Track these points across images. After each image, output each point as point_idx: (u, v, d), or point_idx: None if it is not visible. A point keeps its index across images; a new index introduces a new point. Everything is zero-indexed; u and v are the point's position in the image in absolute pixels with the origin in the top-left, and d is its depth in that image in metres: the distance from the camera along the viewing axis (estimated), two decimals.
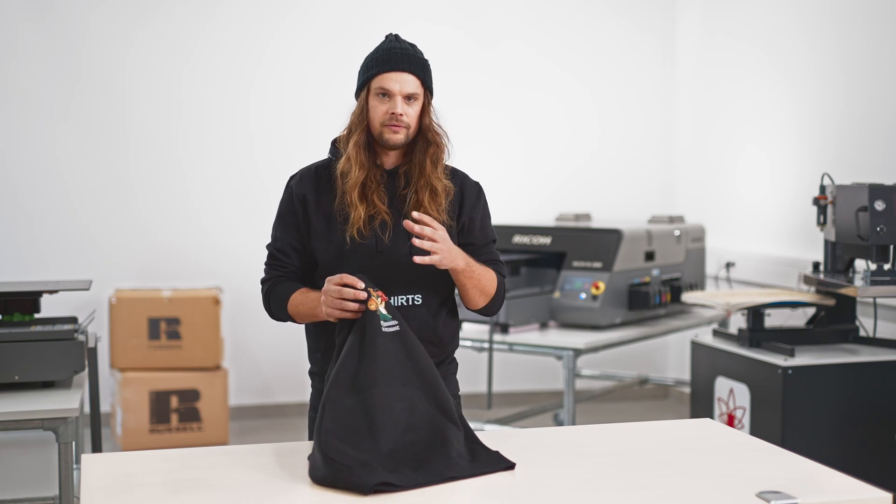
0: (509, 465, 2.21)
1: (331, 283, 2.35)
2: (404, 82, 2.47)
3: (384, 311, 2.32)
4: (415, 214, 2.37)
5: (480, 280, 2.50)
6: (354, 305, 2.31)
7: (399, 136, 2.48)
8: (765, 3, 5.71)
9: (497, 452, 2.25)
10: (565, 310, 4.59)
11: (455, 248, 2.42)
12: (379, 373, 2.25)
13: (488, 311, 2.60)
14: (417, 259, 2.34)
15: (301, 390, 6.02)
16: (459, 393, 2.64)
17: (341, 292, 2.31)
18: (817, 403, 3.81)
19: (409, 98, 2.48)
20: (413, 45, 2.55)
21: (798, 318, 4.62)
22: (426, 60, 2.54)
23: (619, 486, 2.09)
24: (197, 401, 5.55)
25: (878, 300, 4.31)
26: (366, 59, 2.53)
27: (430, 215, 2.47)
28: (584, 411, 6.09)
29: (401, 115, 2.46)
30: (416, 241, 2.34)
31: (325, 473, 2.09)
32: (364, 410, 2.20)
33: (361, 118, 2.50)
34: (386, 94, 2.47)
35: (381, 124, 2.47)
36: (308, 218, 2.53)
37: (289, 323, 2.65)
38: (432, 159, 2.51)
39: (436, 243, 2.35)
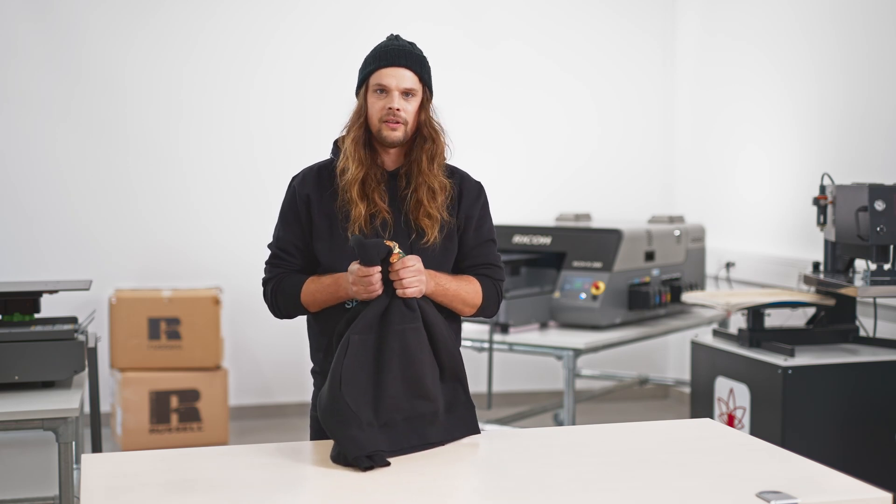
0: (476, 431, 2.43)
1: (356, 274, 2.36)
2: (401, 77, 2.48)
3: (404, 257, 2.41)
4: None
5: (458, 294, 2.53)
6: (377, 292, 2.35)
7: (397, 133, 2.48)
8: (765, 3, 5.71)
9: (473, 409, 2.44)
10: (565, 310, 4.59)
11: (423, 272, 2.43)
12: (395, 314, 2.34)
13: (483, 316, 2.66)
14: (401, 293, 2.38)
15: (301, 390, 6.02)
16: None
17: (369, 279, 2.34)
18: (817, 403, 3.81)
19: (406, 94, 2.49)
20: (412, 44, 2.56)
21: (798, 318, 4.61)
22: (424, 57, 2.55)
23: (619, 486, 2.09)
24: (197, 401, 5.55)
25: (878, 300, 4.31)
26: (365, 58, 2.55)
27: (430, 214, 2.48)
28: (584, 411, 6.09)
29: (397, 109, 2.47)
30: (401, 293, 2.36)
31: (331, 418, 2.25)
32: (379, 347, 2.32)
33: (360, 115, 2.52)
34: (383, 89, 2.49)
35: (379, 120, 2.49)
36: (311, 218, 2.54)
37: (289, 322, 2.66)
38: (429, 156, 2.52)
39: (416, 276, 2.37)
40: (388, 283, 2.36)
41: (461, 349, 2.70)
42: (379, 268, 2.34)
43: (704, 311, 5.13)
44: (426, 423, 2.34)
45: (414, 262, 2.37)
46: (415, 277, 2.36)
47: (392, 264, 2.35)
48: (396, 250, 2.35)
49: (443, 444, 2.36)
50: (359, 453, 2.18)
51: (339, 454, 2.21)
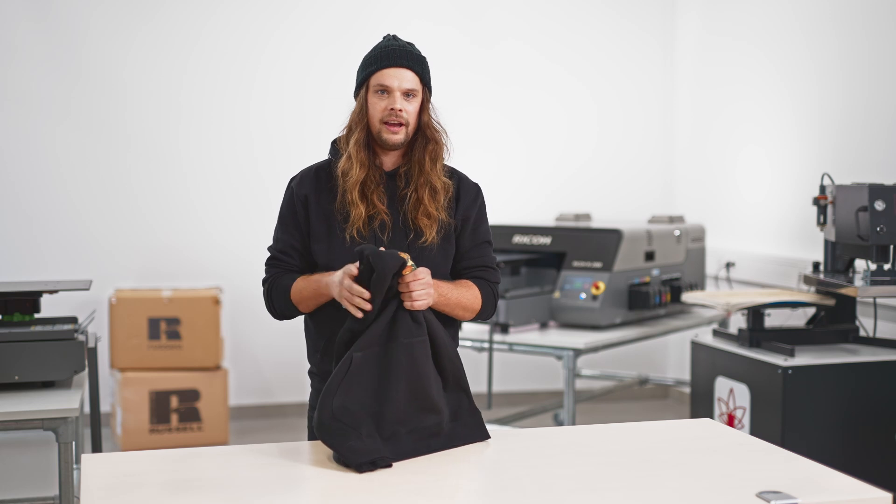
0: (485, 436, 2.40)
1: (346, 288, 2.32)
2: (402, 78, 2.48)
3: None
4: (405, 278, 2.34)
5: (460, 301, 2.52)
6: (366, 308, 2.31)
7: (398, 136, 2.48)
8: (765, 3, 5.71)
9: (479, 415, 2.41)
10: (565, 310, 4.59)
11: (432, 284, 2.41)
12: (402, 327, 2.32)
13: (480, 318, 2.64)
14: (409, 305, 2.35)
15: (301, 390, 6.02)
16: None
17: (353, 297, 2.30)
18: (817, 403, 3.81)
19: (407, 94, 2.49)
20: (410, 44, 2.56)
21: (798, 318, 4.62)
22: (424, 57, 2.55)
23: (620, 486, 2.09)
24: (197, 401, 5.55)
25: (878, 300, 4.31)
26: (364, 58, 2.55)
27: (429, 214, 2.48)
28: (584, 411, 6.09)
29: (399, 110, 2.46)
30: (409, 305, 2.33)
31: (327, 433, 2.23)
32: (385, 360, 2.30)
33: (361, 116, 2.51)
34: (385, 90, 2.48)
35: (381, 121, 2.48)
36: (309, 219, 2.53)
37: (289, 322, 2.66)
38: (431, 156, 2.52)
39: (425, 290, 2.35)
40: (394, 294, 2.34)
41: (460, 350, 2.70)
42: (369, 295, 2.30)
43: (704, 311, 5.13)
44: (430, 434, 2.32)
45: (424, 275, 2.35)
46: (424, 291, 2.34)
47: (403, 276, 2.32)
48: (409, 263, 2.32)
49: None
50: (360, 461, 2.16)
51: (338, 456, 2.21)
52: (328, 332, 2.50)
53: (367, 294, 2.30)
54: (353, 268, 2.33)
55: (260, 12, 6.06)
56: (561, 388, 6.13)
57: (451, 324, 2.58)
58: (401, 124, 2.47)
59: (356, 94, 2.55)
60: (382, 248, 2.36)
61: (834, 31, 5.10)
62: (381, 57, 2.50)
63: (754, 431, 3.87)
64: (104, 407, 4.88)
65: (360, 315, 2.31)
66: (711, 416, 4.16)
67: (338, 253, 2.48)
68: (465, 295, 2.54)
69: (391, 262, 2.29)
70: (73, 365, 3.18)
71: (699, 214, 6.23)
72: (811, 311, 4.33)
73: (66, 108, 5.84)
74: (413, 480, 2.12)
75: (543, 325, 4.62)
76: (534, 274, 4.81)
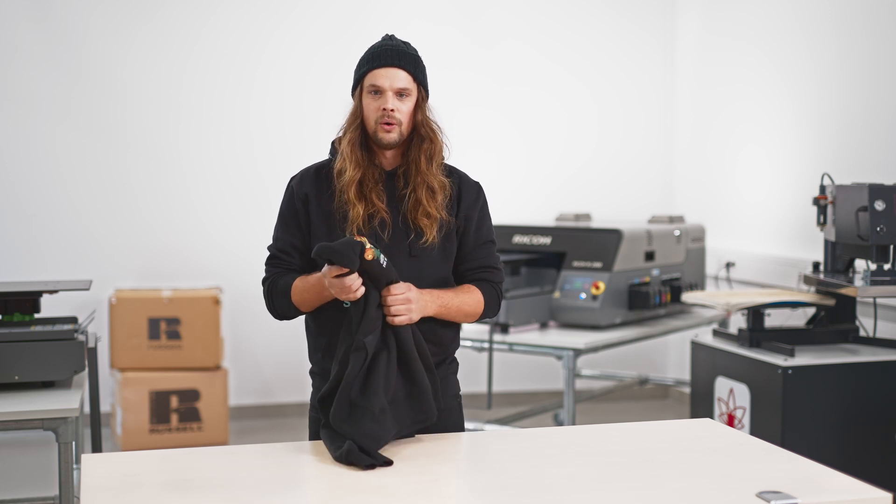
0: (431, 417, 2.41)
1: (329, 277, 2.33)
2: (394, 78, 2.48)
3: (379, 253, 2.33)
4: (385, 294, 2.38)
5: (461, 309, 2.53)
6: (359, 292, 2.32)
7: (392, 135, 2.48)
8: (765, 3, 5.71)
9: (431, 399, 2.43)
10: (565, 310, 4.59)
11: (423, 296, 2.43)
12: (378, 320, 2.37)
13: (484, 318, 2.65)
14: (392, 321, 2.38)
15: (301, 390, 6.02)
16: (460, 393, 2.65)
17: (343, 283, 2.31)
18: (817, 403, 3.81)
19: (400, 94, 2.48)
20: (406, 43, 2.55)
21: (798, 318, 4.62)
22: (418, 56, 2.54)
23: (620, 486, 2.09)
24: (197, 401, 5.55)
25: (878, 300, 4.31)
26: (360, 59, 2.55)
27: (429, 214, 2.48)
28: (584, 411, 6.09)
29: (392, 110, 2.46)
30: (390, 321, 2.36)
31: (342, 424, 2.27)
32: (376, 352, 2.35)
33: (356, 116, 2.52)
34: (377, 90, 2.48)
35: (375, 122, 2.48)
36: (310, 218, 2.53)
37: (289, 322, 2.66)
38: (427, 155, 2.51)
39: (405, 305, 2.37)
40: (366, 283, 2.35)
41: (460, 350, 2.70)
42: (356, 275, 2.30)
43: (704, 311, 5.13)
44: (418, 410, 2.38)
45: (403, 290, 2.37)
46: (404, 306, 2.36)
47: (388, 290, 2.35)
48: (368, 246, 2.30)
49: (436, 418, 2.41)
50: (375, 447, 2.20)
51: (342, 453, 2.21)
52: (329, 331, 2.50)
53: (357, 281, 2.30)
54: (327, 271, 2.33)
55: (260, 12, 6.06)
56: (561, 388, 6.13)
57: (450, 325, 2.58)
58: (393, 124, 2.47)
59: (353, 95, 2.56)
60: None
61: (834, 31, 5.10)
62: (374, 57, 2.50)
63: (754, 431, 3.87)
64: (104, 407, 4.88)
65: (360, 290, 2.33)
66: (711, 416, 4.16)
67: None
68: (467, 301, 2.54)
69: (348, 251, 2.27)
70: (73, 365, 3.17)
71: (699, 214, 6.23)
72: (811, 311, 4.33)
73: (66, 108, 5.84)
74: (413, 480, 2.12)
75: (543, 325, 4.62)
76: (534, 274, 4.81)
